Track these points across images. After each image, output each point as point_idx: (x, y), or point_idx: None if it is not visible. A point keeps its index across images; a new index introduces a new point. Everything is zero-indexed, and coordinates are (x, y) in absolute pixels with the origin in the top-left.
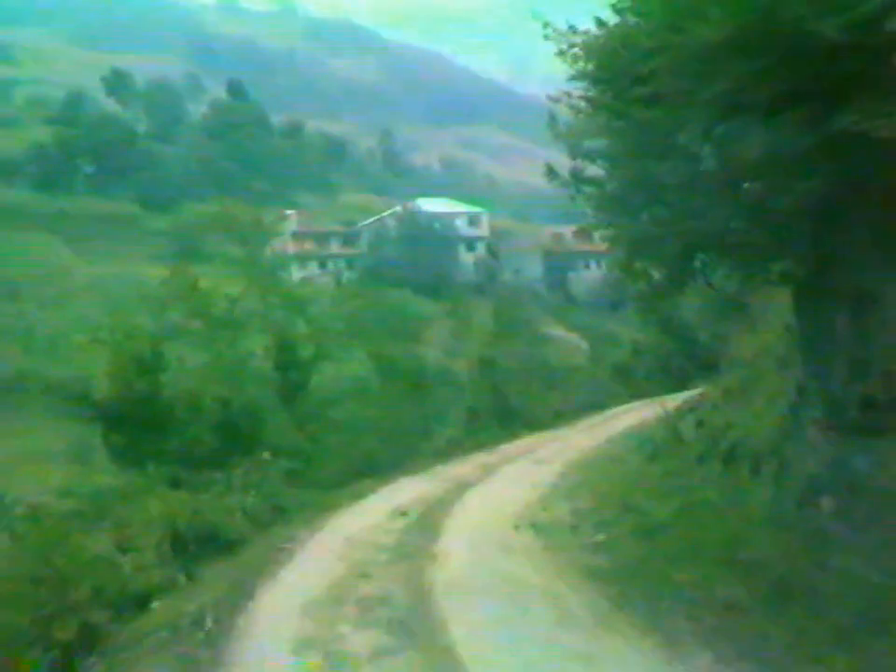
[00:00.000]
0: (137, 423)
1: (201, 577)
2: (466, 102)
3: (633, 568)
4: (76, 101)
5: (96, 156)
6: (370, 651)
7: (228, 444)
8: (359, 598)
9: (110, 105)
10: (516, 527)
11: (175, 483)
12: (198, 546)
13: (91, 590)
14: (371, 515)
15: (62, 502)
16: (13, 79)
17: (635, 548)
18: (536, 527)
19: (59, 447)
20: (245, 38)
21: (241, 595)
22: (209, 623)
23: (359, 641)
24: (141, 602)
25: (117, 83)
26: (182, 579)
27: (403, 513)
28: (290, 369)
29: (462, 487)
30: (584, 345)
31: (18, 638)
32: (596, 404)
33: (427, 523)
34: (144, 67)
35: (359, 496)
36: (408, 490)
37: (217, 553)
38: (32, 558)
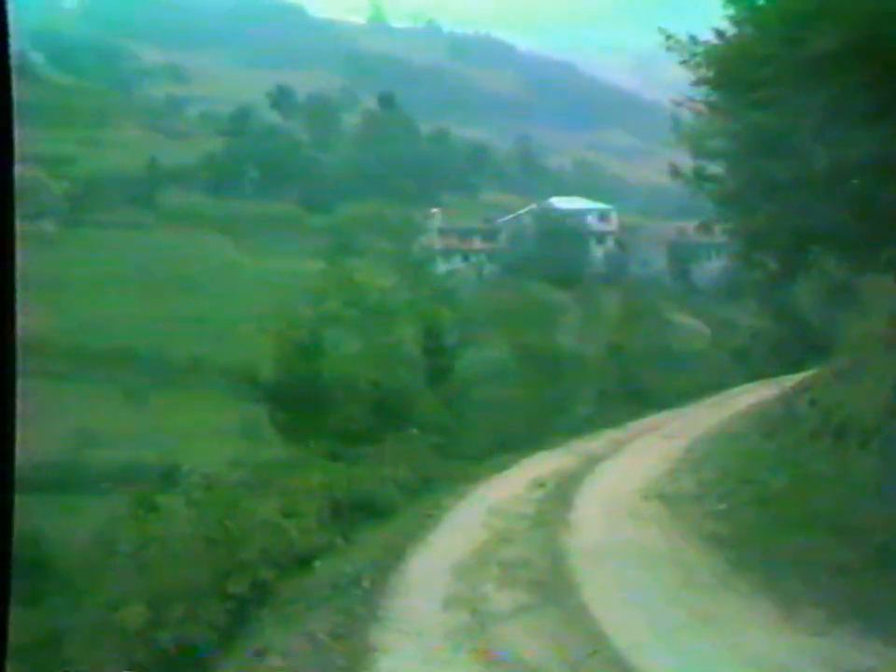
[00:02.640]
0: (299, 402)
1: (357, 540)
2: (594, 108)
3: (751, 535)
4: (243, 115)
5: (261, 163)
6: (511, 609)
7: (380, 421)
8: (501, 561)
9: (274, 118)
10: (644, 497)
11: (334, 457)
12: (354, 512)
13: (259, 550)
14: (511, 486)
15: (233, 472)
16: (187, 98)
17: (753, 516)
18: (662, 497)
19: (230, 424)
20: (394, 54)
21: (394, 557)
22: (366, 581)
23: (502, 599)
24: (304, 562)
25: (279, 98)
26: (340, 541)
27: (541, 485)
28: (437, 354)
29: (594, 461)
30: (706, 331)
31: (198, 591)
32: (717, 385)
33: (562, 493)
34: (303, 83)
35: (500, 468)
36: (544, 463)
37: (371, 518)
38: (206, 522)
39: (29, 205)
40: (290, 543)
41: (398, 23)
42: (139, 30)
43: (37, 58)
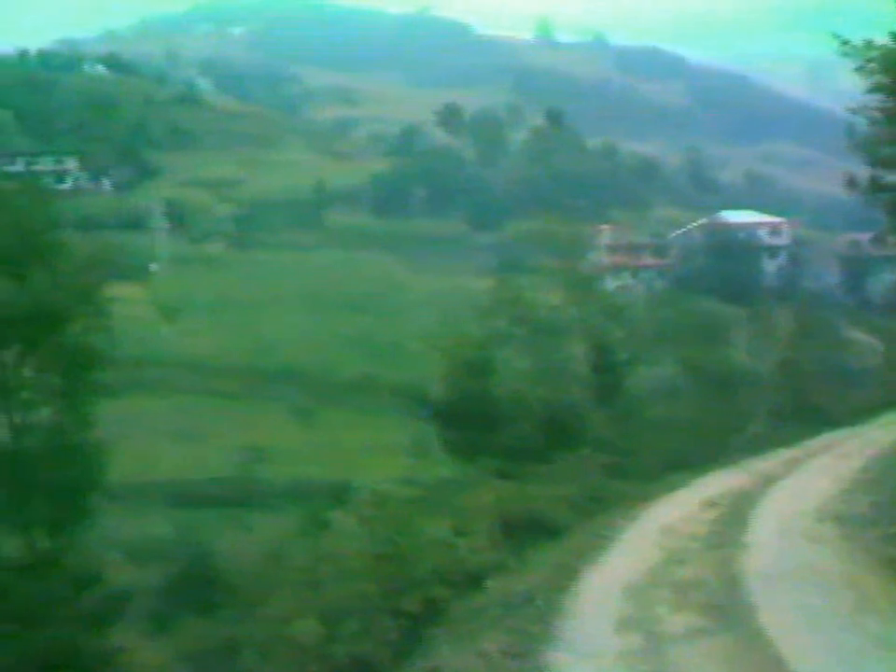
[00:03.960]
0: (469, 420)
1: (528, 559)
2: (765, 118)
3: None
4: (410, 134)
5: (428, 182)
6: (686, 632)
7: (549, 440)
8: (674, 583)
9: (441, 137)
10: (819, 519)
11: (504, 475)
12: (525, 532)
13: (431, 568)
14: (684, 506)
15: (403, 490)
16: (354, 119)
17: None
18: (837, 519)
19: (399, 441)
20: (561, 69)
21: (566, 576)
22: (538, 601)
23: (676, 622)
24: (476, 581)
25: (446, 116)
26: (512, 561)
27: (713, 505)
28: (606, 371)
29: (768, 480)
30: (880, 347)
31: (370, 607)
32: (892, 403)
33: (735, 513)
34: (470, 101)
35: (672, 487)
36: (717, 483)
37: (543, 538)
38: (377, 539)
39: (196, 228)
40: (462, 562)
41: (564, 38)
42: (307, 54)
43: (206, 84)
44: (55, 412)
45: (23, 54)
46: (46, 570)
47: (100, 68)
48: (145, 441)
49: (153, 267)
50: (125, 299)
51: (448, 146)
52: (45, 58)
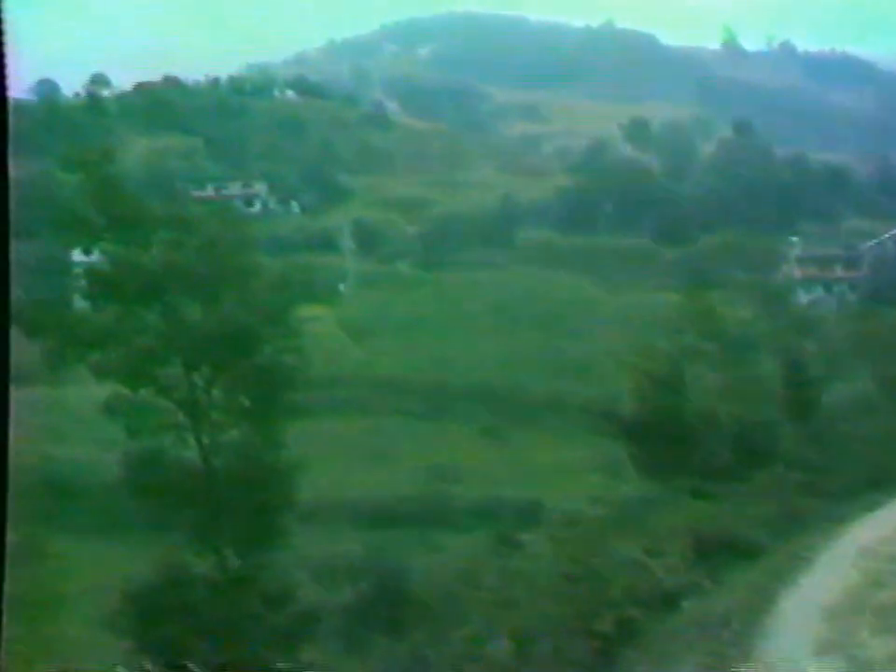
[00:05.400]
0: (659, 438)
1: (724, 581)
2: None
3: None
4: (597, 149)
5: (614, 196)
6: (888, 657)
7: (743, 457)
8: (875, 606)
9: (627, 151)
10: None
11: (696, 494)
12: (720, 552)
13: (624, 589)
14: (882, 527)
15: (593, 509)
16: (541, 135)
17: None
18: None
19: (589, 461)
20: (748, 78)
21: (762, 598)
22: (735, 623)
23: (878, 646)
24: (670, 602)
25: (633, 130)
26: (706, 582)
27: None
28: (800, 387)
29: None
30: None
31: (562, 628)
32: None
33: None
34: (656, 113)
35: (869, 507)
36: None
37: (738, 558)
38: (569, 559)
39: (385, 248)
40: (656, 582)
41: (750, 46)
42: (492, 71)
43: (393, 106)
44: (245, 432)
45: (214, 82)
46: (237, 588)
47: (289, 93)
48: (334, 462)
49: (342, 287)
50: (314, 319)
51: (635, 159)
52: (235, 84)
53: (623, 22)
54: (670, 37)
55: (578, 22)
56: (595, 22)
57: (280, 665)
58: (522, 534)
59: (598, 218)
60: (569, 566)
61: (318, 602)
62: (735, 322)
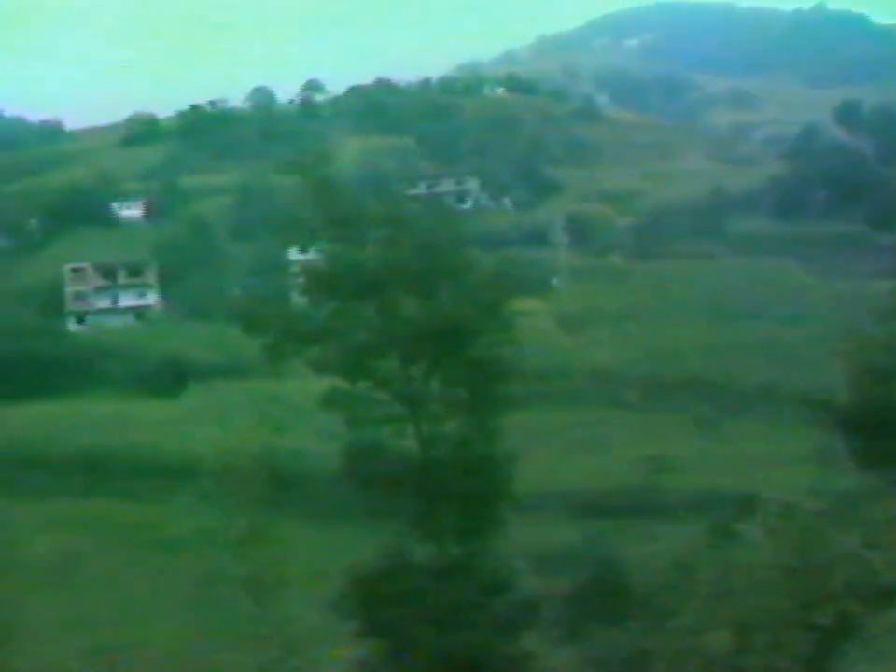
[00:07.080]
0: (876, 428)
1: None
2: None
3: None
4: (808, 135)
5: (827, 183)
6: None
7: None
8: None
9: (840, 135)
10: None
11: None
12: None
13: (842, 582)
14: None
15: (811, 501)
16: (752, 123)
17: None
18: None
19: (804, 451)
20: None
21: None
22: None
23: None
24: (891, 596)
25: (844, 114)
26: None
27: None
28: None
29: None
30: None
31: (780, 620)
32: None
33: None
34: (870, 95)
35: None
36: None
37: None
38: (786, 551)
39: (597, 241)
40: (875, 576)
41: None
42: (702, 60)
43: (603, 99)
44: (462, 424)
45: (425, 82)
46: (458, 576)
47: (500, 90)
48: (549, 452)
49: (555, 280)
50: (529, 312)
51: (847, 144)
52: (446, 84)
53: (834, 3)
54: (881, 15)
55: (787, 6)
56: (807, 5)
57: (500, 651)
58: (737, 524)
59: (810, 205)
60: (788, 557)
61: (536, 590)
62: None
